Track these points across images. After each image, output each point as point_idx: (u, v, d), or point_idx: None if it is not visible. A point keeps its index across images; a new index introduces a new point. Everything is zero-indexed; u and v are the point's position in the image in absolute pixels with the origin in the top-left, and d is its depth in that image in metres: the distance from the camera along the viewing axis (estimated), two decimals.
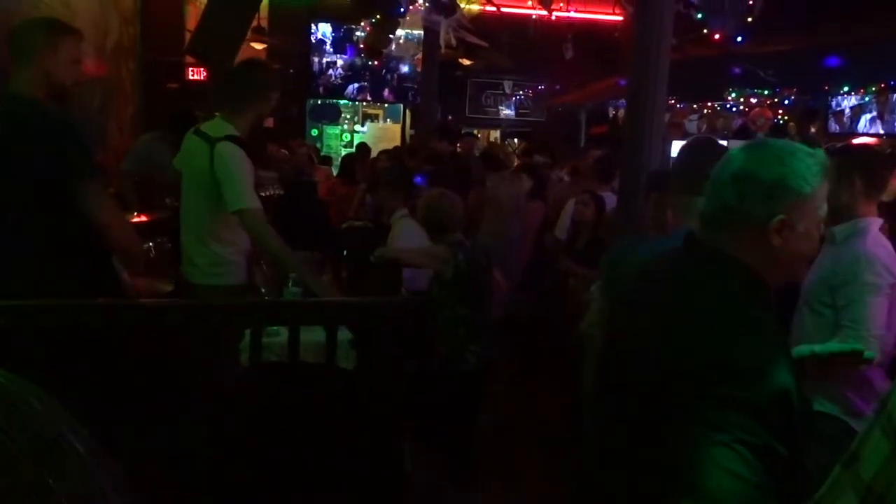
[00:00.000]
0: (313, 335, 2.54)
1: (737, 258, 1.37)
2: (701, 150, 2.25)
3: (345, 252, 4.41)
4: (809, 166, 1.38)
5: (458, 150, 7.73)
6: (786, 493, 1.21)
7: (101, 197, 2.54)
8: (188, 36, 6.39)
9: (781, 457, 1.20)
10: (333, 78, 12.16)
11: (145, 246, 3.34)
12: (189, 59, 9.12)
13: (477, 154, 7.86)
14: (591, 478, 1.59)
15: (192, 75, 9.86)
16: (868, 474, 0.83)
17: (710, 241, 1.41)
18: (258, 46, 9.59)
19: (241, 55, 5.47)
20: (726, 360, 1.24)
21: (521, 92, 13.47)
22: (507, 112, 13.57)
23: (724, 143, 4.05)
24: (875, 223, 2.53)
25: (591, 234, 4.75)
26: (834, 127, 9.24)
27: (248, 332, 2.44)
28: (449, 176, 4.93)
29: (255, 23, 8.29)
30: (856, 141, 8.11)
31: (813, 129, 9.22)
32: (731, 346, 1.27)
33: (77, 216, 2.45)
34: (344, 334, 2.62)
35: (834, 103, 9.21)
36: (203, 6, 5.33)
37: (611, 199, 4.74)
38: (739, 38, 5.96)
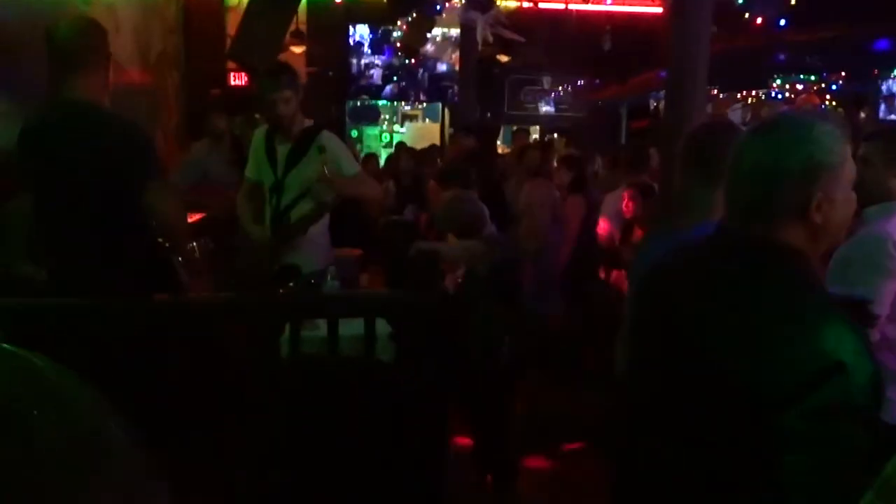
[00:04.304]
0: (351, 329, 2.56)
1: (787, 245, 1.32)
2: (716, 138, 2.14)
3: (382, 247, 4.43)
4: (832, 133, 1.32)
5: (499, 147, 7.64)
6: None
7: (167, 195, 2.53)
8: (230, 42, 6.51)
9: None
10: (374, 78, 12.26)
11: (189, 246, 3.40)
12: (231, 65, 9.28)
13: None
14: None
15: (235, 80, 10.01)
16: None
17: (751, 232, 1.35)
18: (297, 50, 9.69)
19: (281, 59, 5.57)
20: (829, 357, 1.18)
21: (560, 87, 13.38)
22: (546, 108, 13.49)
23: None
24: None
25: (643, 227, 4.66)
26: (885, 112, 8.96)
27: (287, 325, 2.47)
28: (471, 175, 4.88)
29: (293, 27, 8.39)
30: None
31: (862, 115, 8.96)
32: (827, 342, 1.20)
33: (142, 216, 2.49)
34: (383, 328, 2.64)
35: (884, 88, 8.93)
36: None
37: None
38: (782, 22, 5.81)
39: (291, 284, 2.97)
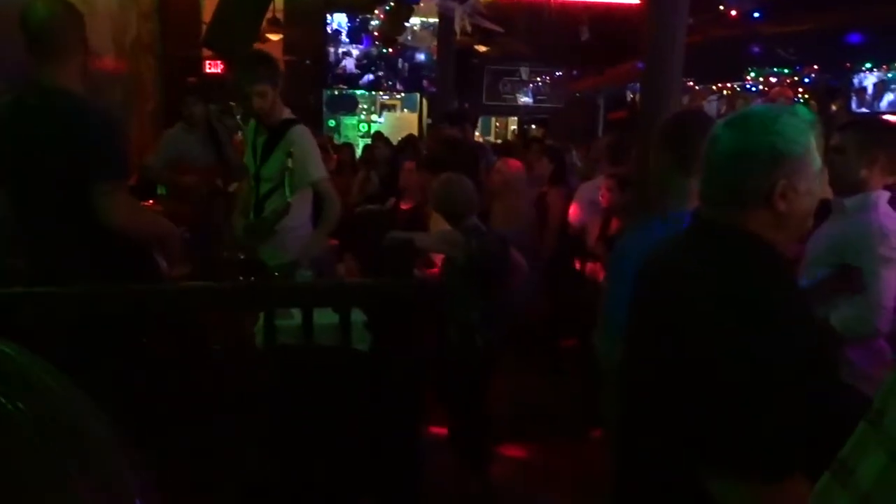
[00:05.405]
0: (327, 318, 2.56)
1: (753, 232, 1.38)
2: (688, 128, 2.17)
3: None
4: (796, 126, 1.38)
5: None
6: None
7: (115, 200, 2.41)
8: (205, 29, 6.44)
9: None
10: (351, 67, 12.20)
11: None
12: (207, 52, 9.19)
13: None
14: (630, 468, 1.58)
15: (210, 68, 9.92)
16: None
17: (721, 220, 1.42)
18: (274, 38, 9.62)
19: (257, 47, 5.53)
20: (788, 343, 1.25)
21: (538, 78, 13.40)
22: (524, 99, 13.51)
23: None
24: (884, 196, 2.53)
25: (623, 218, 4.67)
26: (856, 105, 9.08)
27: (261, 314, 2.47)
28: (459, 162, 4.88)
29: (270, 14, 8.33)
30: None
31: (834, 108, 9.07)
32: (785, 329, 1.27)
33: None
34: (358, 316, 2.64)
35: (856, 81, 9.05)
36: None
37: None
38: (756, 14, 5.86)
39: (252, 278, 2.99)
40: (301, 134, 3.42)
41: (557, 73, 13.28)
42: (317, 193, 3.48)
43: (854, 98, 9.12)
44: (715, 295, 1.33)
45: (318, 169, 3.45)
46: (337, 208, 3.48)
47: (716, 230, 1.43)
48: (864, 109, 8.90)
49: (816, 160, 1.40)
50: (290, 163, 3.26)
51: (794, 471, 1.22)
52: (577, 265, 5.03)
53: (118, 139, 2.50)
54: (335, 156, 8.14)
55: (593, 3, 9.61)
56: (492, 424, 3.71)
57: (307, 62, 11.33)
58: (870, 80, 8.94)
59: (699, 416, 1.29)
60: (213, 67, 9.82)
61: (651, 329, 1.49)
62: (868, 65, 8.59)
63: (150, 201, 4.94)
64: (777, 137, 1.35)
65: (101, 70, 6.56)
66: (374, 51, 12.19)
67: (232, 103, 5.82)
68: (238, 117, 6.23)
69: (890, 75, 8.61)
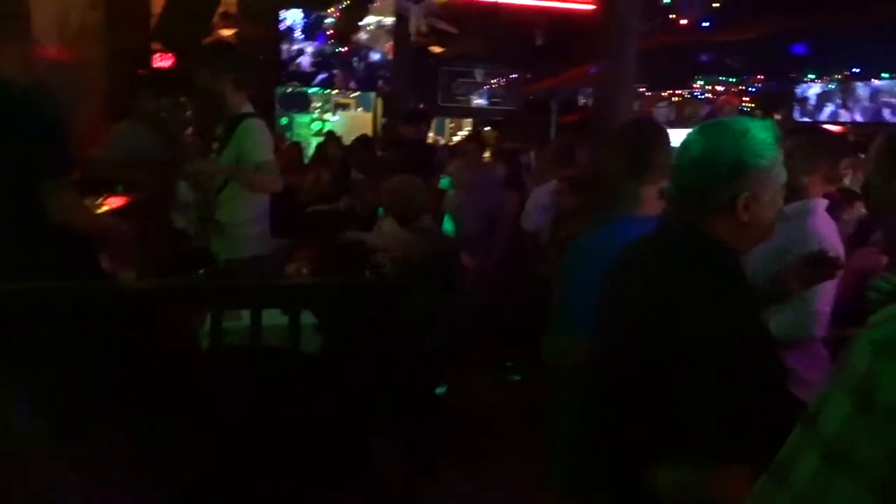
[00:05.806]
0: (277, 319, 2.52)
1: (715, 237, 1.42)
2: (644, 136, 2.21)
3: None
4: (763, 140, 1.43)
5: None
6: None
7: (62, 197, 2.35)
8: (154, 20, 6.29)
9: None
10: (305, 65, 12.07)
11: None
12: (156, 45, 8.97)
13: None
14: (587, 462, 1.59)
15: (160, 61, 9.70)
16: (829, 432, 0.83)
17: (688, 224, 1.46)
18: (226, 33, 9.47)
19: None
20: (739, 347, 1.30)
21: (493, 81, 13.47)
22: (479, 101, 13.55)
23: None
24: (822, 203, 2.58)
25: (574, 222, 4.70)
26: (799, 114, 9.36)
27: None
28: (416, 162, 4.87)
29: (222, 8, 8.19)
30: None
31: (777, 117, 9.34)
32: (736, 331, 1.32)
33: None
34: (308, 318, 2.60)
35: (799, 91, 9.33)
36: None
37: None
38: (706, 24, 6.00)
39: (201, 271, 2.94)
40: (246, 126, 3.41)
41: (512, 76, 13.36)
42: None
43: (797, 108, 9.40)
44: (679, 301, 1.36)
45: (262, 154, 3.43)
46: (275, 181, 3.48)
47: (682, 234, 1.47)
48: (806, 119, 9.19)
49: (782, 174, 1.46)
50: (235, 143, 3.32)
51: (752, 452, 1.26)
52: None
53: (61, 133, 2.41)
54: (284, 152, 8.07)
55: (549, 7, 9.69)
56: (445, 425, 3.70)
57: (260, 58, 11.17)
58: (813, 90, 9.23)
59: (676, 407, 1.32)
60: (163, 60, 9.60)
61: (623, 329, 1.51)
62: (811, 75, 8.87)
63: (109, 197, 4.79)
64: (743, 150, 1.40)
65: (44, 59, 6.35)
66: (328, 49, 12.08)
67: (182, 99, 5.70)
68: (189, 112, 6.09)
69: (832, 86, 8.91)
